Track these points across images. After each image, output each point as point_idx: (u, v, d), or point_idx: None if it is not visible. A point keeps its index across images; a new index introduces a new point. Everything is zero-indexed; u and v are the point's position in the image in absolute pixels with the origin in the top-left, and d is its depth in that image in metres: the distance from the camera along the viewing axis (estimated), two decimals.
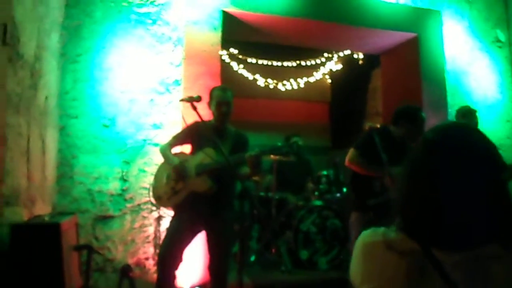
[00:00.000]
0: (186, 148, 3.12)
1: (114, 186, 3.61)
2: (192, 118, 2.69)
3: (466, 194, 0.95)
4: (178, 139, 3.07)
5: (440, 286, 0.93)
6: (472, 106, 4.16)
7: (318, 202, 4.50)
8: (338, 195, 4.72)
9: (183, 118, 2.50)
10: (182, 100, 2.52)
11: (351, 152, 3.12)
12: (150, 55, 3.79)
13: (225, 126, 2.95)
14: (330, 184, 4.69)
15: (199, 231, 2.95)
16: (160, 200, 3.01)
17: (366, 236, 1.10)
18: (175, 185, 2.89)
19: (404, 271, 0.96)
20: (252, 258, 4.44)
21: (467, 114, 3.95)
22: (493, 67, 5.01)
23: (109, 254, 3.53)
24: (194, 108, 2.45)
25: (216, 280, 2.95)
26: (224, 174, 2.83)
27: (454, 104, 4.64)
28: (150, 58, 3.78)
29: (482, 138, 1.02)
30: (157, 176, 3.08)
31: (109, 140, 3.62)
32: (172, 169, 2.86)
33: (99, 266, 3.46)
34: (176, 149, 3.10)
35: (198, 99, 2.55)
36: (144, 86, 3.74)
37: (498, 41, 5.08)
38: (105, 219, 3.57)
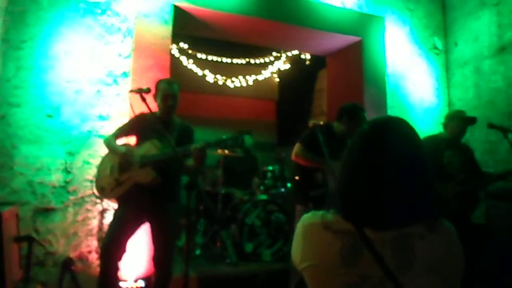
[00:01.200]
0: (131, 140, 3.12)
1: (56, 177, 3.52)
2: (140, 109, 2.71)
3: (396, 179, 1.08)
4: (123, 131, 3.06)
5: (370, 261, 1.05)
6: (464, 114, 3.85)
7: (263, 197, 4.63)
8: (282, 190, 4.88)
9: (131, 109, 2.50)
10: (131, 91, 2.53)
11: (297, 146, 3.27)
12: (98, 46, 3.72)
13: (171, 118, 2.98)
14: (275, 179, 4.84)
15: (143, 222, 2.96)
16: (103, 192, 2.99)
17: (306, 219, 1.21)
18: (118, 177, 2.89)
19: (339, 248, 1.08)
20: (198, 252, 4.50)
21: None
22: (430, 73, 5.36)
23: (50, 248, 3.44)
24: (143, 100, 2.47)
25: (160, 271, 2.98)
26: (169, 166, 2.86)
27: (393, 105, 4.94)
28: (98, 49, 3.72)
29: (410, 129, 1.16)
30: (100, 167, 3.06)
31: (53, 131, 3.53)
32: (121, 156, 2.86)
33: (39, 260, 3.36)
34: (121, 141, 3.09)
35: (148, 90, 2.57)
36: (91, 77, 3.67)
37: (436, 48, 5.44)
38: (46, 211, 3.48)
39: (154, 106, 2.84)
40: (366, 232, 1.08)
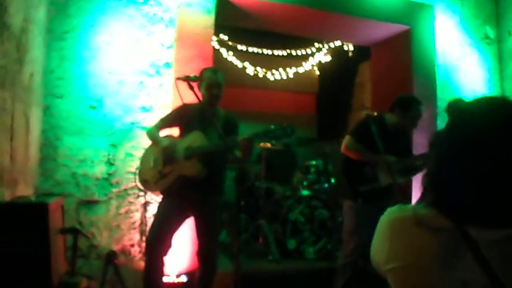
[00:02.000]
0: (175, 132, 3.03)
1: (99, 169, 3.48)
2: (188, 98, 2.59)
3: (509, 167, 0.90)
4: (166, 122, 2.96)
5: (473, 267, 0.88)
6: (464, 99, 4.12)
7: (306, 192, 4.47)
8: (326, 185, 4.70)
9: (180, 97, 2.39)
10: (178, 78, 2.43)
11: (347, 138, 3.09)
12: (140, 36, 3.65)
13: (215, 109, 2.86)
14: (318, 174, 4.68)
15: (188, 216, 2.87)
16: (147, 184, 2.91)
17: (393, 212, 1.04)
18: (162, 169, 2.79)
19: (434, 249, 0.91)
20: None
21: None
22: (482, 64, 5.05)
23: (93, 240, 3.40)
24: (191, 88, 2.36)
25: (205, 266, 2.89)
26: (215, 158, 2.75)
27: (443, 98, 4.66)
28: (141, 39, 3.65)
29: None
30: (143, 159, 2.98)
31: (96, 122, 3.49)
32: (161, 150, 2.76)
33: (82, 253, 3.33)
34: (164, 132, 3.00)
35: (195, 78, 2.46)
36: (134, 68, 3.60)
37: (487, 37, 5.12)
38: (89, 203, 3.44)
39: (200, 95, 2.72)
40: (469, 230, 0.90)
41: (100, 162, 3.48)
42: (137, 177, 2.97)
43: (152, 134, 2.90)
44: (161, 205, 2.87)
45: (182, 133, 2.88)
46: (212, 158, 2.72)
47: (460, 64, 4.93)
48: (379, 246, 1.04)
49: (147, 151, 2.98)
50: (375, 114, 2.89)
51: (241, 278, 3.61)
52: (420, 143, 4.16)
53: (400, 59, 4.81)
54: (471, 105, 1.00)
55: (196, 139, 2.69)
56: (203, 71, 2.87)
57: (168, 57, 3.70)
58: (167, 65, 3.69)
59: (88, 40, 3.52)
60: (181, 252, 3.44)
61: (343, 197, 3.32)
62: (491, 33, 5.16)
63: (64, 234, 2.60)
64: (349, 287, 3.20)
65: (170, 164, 2.75)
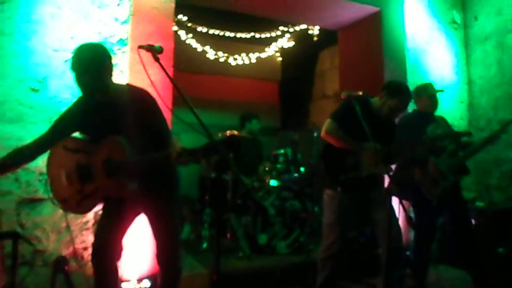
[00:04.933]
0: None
1: (44, 162, 2.98)
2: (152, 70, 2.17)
3: None
4: (59, 130, 2.36)
5: None
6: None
7: (275, 183, 4.19)
8: (296, 175, 4.43)
9: (144, 68, 1.97)
10: (140, 47, 2.02)
11: (328, 122, 2.82)
12: (91, 8, 3.19)
13: (109, 95, 2.28)
14: (288, 163, 4.40)
15: (138, 212, 2.42)
16: (66, 204, 2.32)
17: None
18: (82, 188, 2.24)
19: None
20: (204, 245, 4.05)
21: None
22: (449, 49, 4.99)
23: (38, 245, 2.93)
24: (157, 60, 1.96)
25: (166, 269, 2.48)
26: (148, 168, 2.18)
27: (413, 83, 4.51)
28: (91, 12, 3.19)
29: None
30: (51, 172, 2.38)
31: (38, 107, 3.00)
32: (74, 170, 2.25)
33: (26, 259, 2.86)
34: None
35: (160, 50, 2.06)
36: None
37: (454, 22, 5.06)
38: (32, 202, 2.96)
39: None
40: None
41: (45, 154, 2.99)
42: (51, 195, 2.34)
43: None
44: (104, 206, 2.41)
45: (92, 137, 2.33)
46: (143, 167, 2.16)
47: (429, 48, 4.84)
48: None
49: (52, 161, 2.40)
50: (360, 93, 2.62)
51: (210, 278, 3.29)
52: None
53: (371, 43, 4.63)
54: None
55: (113, 148, 2.14)
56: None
57: (123, 33, 3.27)
58: (122, 42, 3.26)
59: (29, 12, 3.02)
60: (142, 253, 3.06)
61: (322, 186, 3.06)
62: (458, 17, 5.10)
63: (0, 240, 2.14)
64: (330, 283, 2.95)
65: (89, 181, 2.22)
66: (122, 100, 2.24)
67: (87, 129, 2.34)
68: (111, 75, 2.31)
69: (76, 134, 2.40)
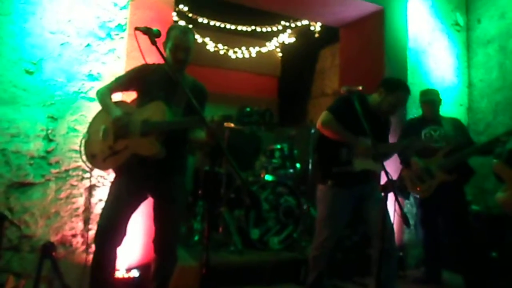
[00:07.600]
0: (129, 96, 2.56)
1: (36, 146, 2.94)
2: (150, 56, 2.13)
3: None
4: (121, 83, 2.48)
5: None
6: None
7: (270, 178, 4.14)
8: (291, 170, 4.39)
9: (141, 52, 1.93)
10: (137, 29, 1.97)
11: (325, 114, 2.77)
12: None
13: (182, 75, 2.42)
14: (283, 158, 4.35)
15: (146, 197, 2.43)
16: (94, 160, 2.43)
17: None
18: (113, 144, 2.32)
19: None
20: (196, 238, 4.01)
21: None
22: (451, 51, 4.94)
23: (26, 230, 2.87)
24: (154, 43, 1.91)
25: (164, 256, 2.46)
26: (176, 135, 2.34)
27: (413, 83, 4.48)
28: None
29: None
30: (91, 129, 2.48)
31: (32, 90, 2.94)
32: (112, 122, 2.30)
33: (12, 244, 2.80)
34: (117, 96, 2.53)
35: (158, 33, 2.01)
36: (81, 28, 3.08)
37: (457, 24, 5.01)
38: (22, 186, 2.90)
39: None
40: None
41: (37, 137, 2.94)
42: (82, 149, 2.47)
43: (104, 98, 2.40)
44: (114, 184, 2.40)
45: (140, 100, 2.41)
46: (173, 136, 2.30)
47: (431, 50, 4.79)
48: None
49: (96, 118, 2.49)
50: (360, 88, 2.57)
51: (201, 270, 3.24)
52: None
53: (372, 41, 4.58)
54: None
55: (156, 111, 2.25)
56: (171, 28, 2.41)
57: (121, 18, 3.21)
58: (120, 27, 3.20)
59: None
60: (132, 242, 3.00)
61: (316, 181, 3.02)
62: (461, 20, 5.06)
63: None
64: (322, 281, 2.91)
65: (122, 139, 2.30)
66: (192, 83, 2.45)
67: (147, 91, 2.39)
68: None
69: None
